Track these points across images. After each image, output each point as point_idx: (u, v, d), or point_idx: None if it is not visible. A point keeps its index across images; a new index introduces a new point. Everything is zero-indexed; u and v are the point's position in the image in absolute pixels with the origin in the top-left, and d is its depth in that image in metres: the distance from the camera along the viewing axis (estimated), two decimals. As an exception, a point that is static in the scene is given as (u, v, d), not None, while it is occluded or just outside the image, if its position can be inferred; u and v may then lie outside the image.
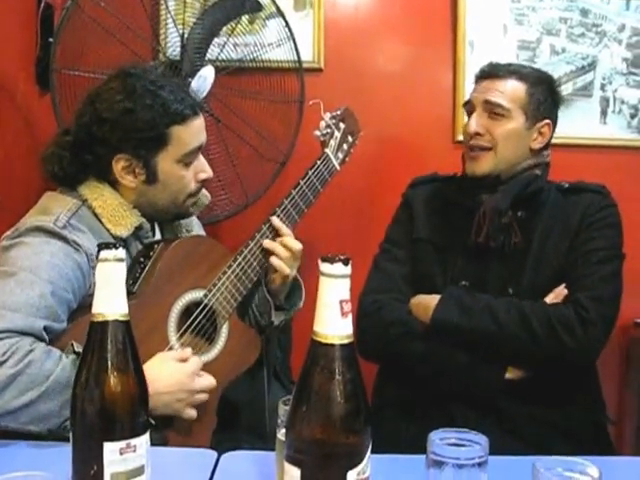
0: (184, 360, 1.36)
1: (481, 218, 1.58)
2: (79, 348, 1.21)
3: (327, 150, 1.68)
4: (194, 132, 1.46)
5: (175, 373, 1.33)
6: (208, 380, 1.39)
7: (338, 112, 1.72)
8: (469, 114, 1.68)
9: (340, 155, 1.72)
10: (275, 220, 1.55)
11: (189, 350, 1.40)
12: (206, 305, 1.47)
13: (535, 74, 1.68)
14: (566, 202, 1.65)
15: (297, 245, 1.56)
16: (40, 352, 1.19)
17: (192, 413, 1.36)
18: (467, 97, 1.74)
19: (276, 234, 1.56)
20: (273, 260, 1.54)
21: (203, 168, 1.51)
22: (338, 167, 1.70)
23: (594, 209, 1.62)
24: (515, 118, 1.63)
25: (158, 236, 1.57)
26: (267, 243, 1.54)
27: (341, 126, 1.72)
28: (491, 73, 1.65)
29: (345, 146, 1.74)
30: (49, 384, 1.16)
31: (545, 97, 1.66)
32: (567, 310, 1.52)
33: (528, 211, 1.62)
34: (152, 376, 1.27)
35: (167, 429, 1.35)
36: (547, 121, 1.66)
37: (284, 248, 1.55)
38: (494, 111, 1.62)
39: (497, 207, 1.58)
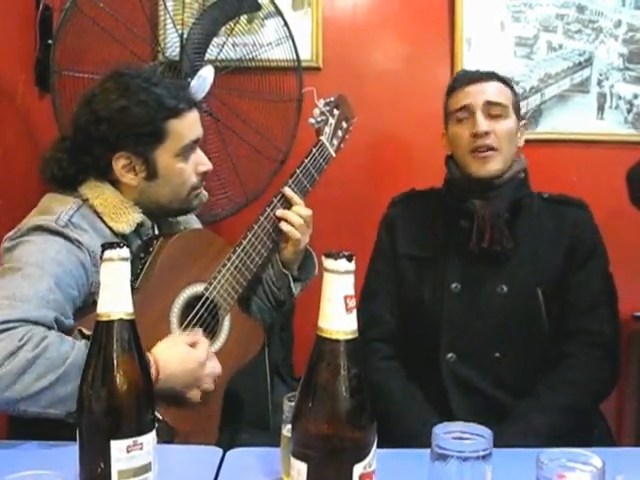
0: (194, 344, 1.38)
1: (481, 223, 1.59)
2: (88, 332, 1.21)
3: (322, 137, 1.68)
4: (190, 125, 1.47)
5: (186, 359, 1.34)
6: (215, 367, 1.41)
7: (332, 99, 1.71)
8: (461, 120, 1.64)
9: (335, 142, 1.71)
10: (287, 190, 1.60)
11: (200, 332, 1.42)
12: (207, 298, 1.47)
13: (505, 77, 1.71)
14: (551, 211, 1.67)
15: (307, 211, 1.61)
16: (55, 337, 1.20)
17: (196, 396, 1.38)
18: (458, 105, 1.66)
19: (287, 204, 1.60)
20: (284, 226, 1.57)
21: (202, 161, 1.52)
22: (333, 154, 1.70)
23: (583, 228, 1.65)
24: (510, 117, 1.64)
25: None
26: (280, 212, 1.58)
27: (335, 112, 1.71)
28: (475, 77, 1.65)
29: (340, 132, 1.73)
30: (66, 367, 1.17)
31: (519, 98, 1.71)
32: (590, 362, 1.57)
33: (512, 214, 1.63)
34: (163, 360, 1.29)
35: (175, 423, 1.35)
36: (524, 121, 1.70)
37: (296, 215, 1.59)
38: (493, 112, 1.61)
39: (496, 212, 1.59)
